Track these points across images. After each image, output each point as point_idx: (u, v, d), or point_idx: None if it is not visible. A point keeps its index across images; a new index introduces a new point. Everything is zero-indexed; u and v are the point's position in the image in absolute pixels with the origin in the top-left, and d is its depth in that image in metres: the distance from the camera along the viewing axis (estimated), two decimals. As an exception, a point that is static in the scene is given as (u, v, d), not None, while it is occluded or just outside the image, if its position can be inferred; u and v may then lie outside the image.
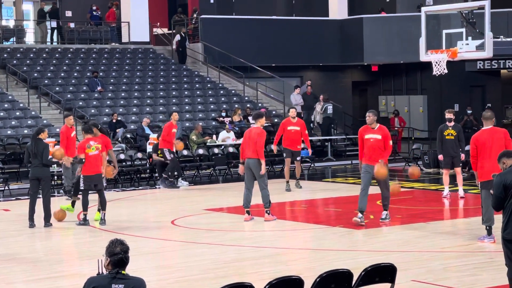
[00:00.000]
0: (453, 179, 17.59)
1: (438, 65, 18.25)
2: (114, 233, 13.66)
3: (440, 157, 17.38)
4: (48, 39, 31.75)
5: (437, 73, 18.47)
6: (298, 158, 19.56)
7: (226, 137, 24.73)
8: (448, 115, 17.10)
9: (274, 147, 20.55)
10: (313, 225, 14.64)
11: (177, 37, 30.78)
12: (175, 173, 20.89)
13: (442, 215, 15.92)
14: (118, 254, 6.06)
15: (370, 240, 12.87)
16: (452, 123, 17.01)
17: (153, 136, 23.21)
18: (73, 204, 15.75)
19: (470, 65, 31.66)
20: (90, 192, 14.88)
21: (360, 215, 13.85)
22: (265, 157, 14.84)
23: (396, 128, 30.61)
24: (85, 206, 14.82)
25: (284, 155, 19.50)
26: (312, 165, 25.25)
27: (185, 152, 23.72)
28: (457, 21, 18.98)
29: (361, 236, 13.21)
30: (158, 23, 33.91)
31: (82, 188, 14.94)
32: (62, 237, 14.21)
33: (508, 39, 19.76)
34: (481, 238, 12.17)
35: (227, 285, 6.42)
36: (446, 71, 18.21)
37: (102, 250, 6.21)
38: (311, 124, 28.81)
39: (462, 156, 17.29)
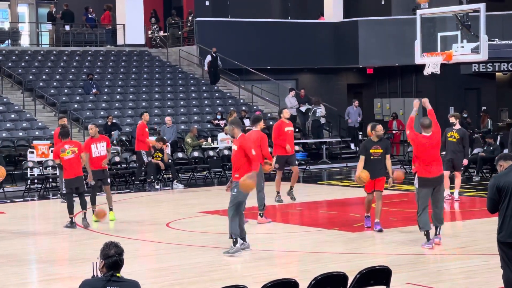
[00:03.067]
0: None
1: (432, 67, 18.24)
2: (109, 235, 13.63)
3: None
4: (46, 41, 31.74)
5: (428, 73, 18.45)
6: (296, 162, 18.17)
7: (226, 138, 24.68)
8: (451, 120, 16.99)
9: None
10: (308, 227, 14.63)
11: (208, 58, 29.70)
12: (152, 176, 20.97)
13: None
14: (112, 257, 6.05)
15: (365, 242, 12.87)
16: (458, 126, 16.86)
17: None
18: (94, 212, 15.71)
19: (465, 68, 31.69)
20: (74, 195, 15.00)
21: (241, 241, 11.97)
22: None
23: (393, 131, 30.63)
24: (70, 209, 14.77)
25: (277, 165, 17.17)
26: (307, 168, 25.25)
27: (180, 155, 23.71)
28: (452, 24, 19.00)
29: (356, 239, 13.19)
30: (155, 26, 33.87)
31: (64, 191, 15.07)
32: (57, 239, 14.18)
33: (503, 42, 19.77)
34: (422, 244, 12.17)
35: (222, 288, 6.40)
36: (438, 72, 18.21)
37: (97, 252, 6.20)
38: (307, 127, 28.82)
39: (465, 161, 17.21)
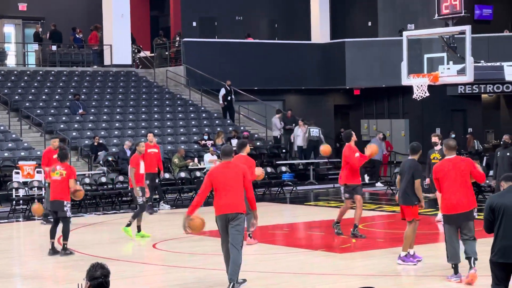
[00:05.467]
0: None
1: (420, 89, 18.31)
2: (95, 256, 13.55)
3: (427, 181, 17.50)
4: (32, 61, 31.68)
5: (417, 97, 18.52)
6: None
7: (213, 159, 24.59)
8: (433, 139, 17.17)
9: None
10: (295, 248, 14.60)
11: (222, 91, 29.37)
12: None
13: (424, 239, 15.90)
14: (98, 278, 6.00)
15: (352, 263, 12.84)
16: (439, 147, 16.99)
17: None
18: (128, 225, 15.91)
19: (451, 89, 31.84)
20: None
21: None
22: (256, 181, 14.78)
23: (383, 153, 30.65)
24: (51, 233, 14.21)
25: (348, 195, 15.29)
26: (294, 189, 25.23)
27: (167, 175, 23.64)
28: (439, 46, 19.08)
29: (343, 260, 13.17)
30: (141, 46, 33.92)
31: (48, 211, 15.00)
32: (42, 261, 14.07)
33: (489, 64, 19.86)
34: (448, 277, 11.14)
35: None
36: (427, 94, 18.27)
37: (83, 273, 6.15)
38: (293, 147, 28.83)
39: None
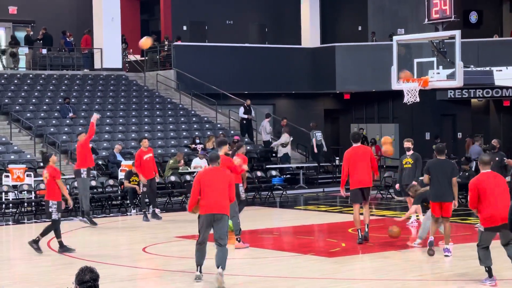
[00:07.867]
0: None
1: (410, 93, 18.35)
2: (84, 260, 13.53)
3: (397, 186, 17.84)
4: (22, 65, 31.62)
5: (408, 102, 18.57)
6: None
7: (199, 165, 24.61)
8: (406, 144, 17.42)
9: (342, 191, 15.46)
10: (285, 252, 14.61)
11: (242, 109, 29.29)
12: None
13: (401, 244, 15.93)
14: (87, 282, 6.00)
15: (342, 268, 12.86)
16: (411, 152, 17.27)
17: (125, 163, 23.11)
18: None
19: (441, 94, 31.95)
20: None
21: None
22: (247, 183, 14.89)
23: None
24: (56, 234, 14.59)
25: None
26: (284, 193, 25.25)
27: (156, 179, 23.56)
28: (428, 50, 19.12)
29: (332, 264, 13.19)
30: (131, 50, 33.90)
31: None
32: (31, 265, 14.05)
33: (479, 69, 19.92)
34: (483, 281, 10.99)
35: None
36: (418, 99, 18.33)
37: (72, 277, 6.15)
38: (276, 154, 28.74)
39: (414, 182, 17.35)
